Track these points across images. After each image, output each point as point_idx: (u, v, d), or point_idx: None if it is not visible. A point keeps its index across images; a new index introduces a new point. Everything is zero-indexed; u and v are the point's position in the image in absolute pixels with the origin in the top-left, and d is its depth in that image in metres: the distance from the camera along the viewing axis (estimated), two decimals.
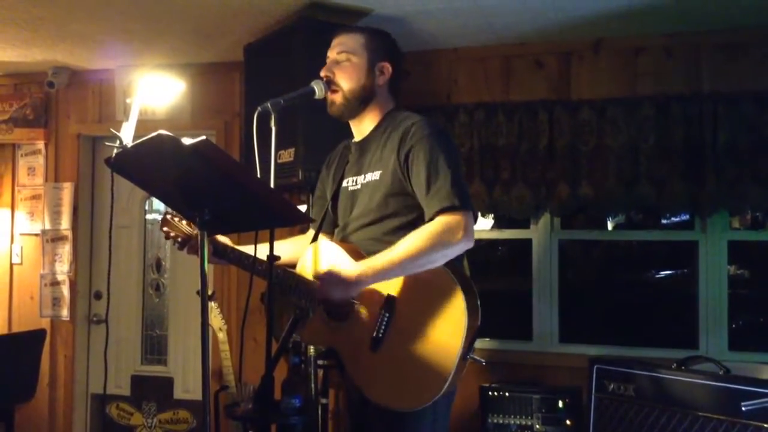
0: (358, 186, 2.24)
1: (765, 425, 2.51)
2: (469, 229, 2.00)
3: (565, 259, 3.87)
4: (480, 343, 2.07)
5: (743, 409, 2.28)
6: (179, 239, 2.39)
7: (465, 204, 2.00)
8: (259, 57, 3.61)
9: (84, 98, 4.51)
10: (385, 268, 1.97)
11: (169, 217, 2.40)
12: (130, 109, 2.12)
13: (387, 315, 2.01)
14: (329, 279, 1.99)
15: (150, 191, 2.37)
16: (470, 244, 2.01)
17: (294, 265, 2.28)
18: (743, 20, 3.37)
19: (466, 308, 1.91)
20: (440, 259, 1.96)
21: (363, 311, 2.06)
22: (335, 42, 2.26)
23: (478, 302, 1.98)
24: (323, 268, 2.09)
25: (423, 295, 1.99)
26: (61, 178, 4.51)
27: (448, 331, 1.92)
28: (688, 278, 3.92)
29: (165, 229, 2.42)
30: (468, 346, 1.93)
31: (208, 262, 2.33)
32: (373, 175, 2.18)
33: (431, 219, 2.01)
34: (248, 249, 2.27)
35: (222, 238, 2.35)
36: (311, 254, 2.24)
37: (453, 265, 2.00)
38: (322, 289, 2.00)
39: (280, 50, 3.39)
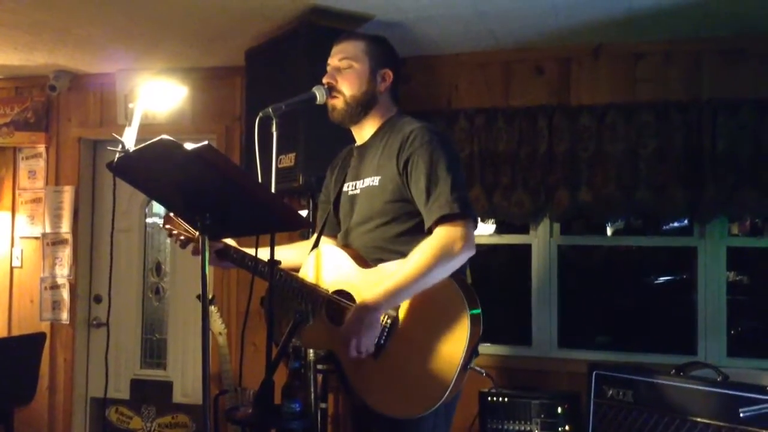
0: (358, 191, 2.24)
1: None
2: (470, 238, 2.00)
3: (564, 265, 3.87)
4: (480, 349, 2.07)
5: (742, 415, 2.28)
6: (182, 237, 2.39)
7: (464, 210, 2.00)
8: (260, 62, 3.62)
9: (85, 102, 4.53)
10: (395, 294, 1.96)
11: (172, 214, 2.39)
12: (132, 114, 2.13)
13: (389, 322, 2.01)
14: (354, 332, 1.96)
15: (152, 195, 2.37)
16: (472, 252, 2.02)
17: (297, 270, 2.29)
18: (743, 27, 3.38)
19: (469, 318, 1.91)
20: (445, 272, 1.97)
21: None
22: (336, 49, 2.26)
23: (480, 312, 1.98)
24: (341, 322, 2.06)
25: (426, 303, 1.99)
26: (62, 182, 4.52)
27: (450, 342, 1.93)
28: (687, 284, 3.92)
29: (168, 227, 2.42)
30: (469, 356, 1.94)
31: (211, 264, 2.34)
32: (372, 181, 2.18)
33: (431, 229, 2.02)
34: (251, 251, 2.28)
35: (226, 240, 2.35)
36: (314, 259, 2.25)
37: (456, 273, 2.01)
38: (351, 344, 1.97)
39: (281, 55, 3.40)
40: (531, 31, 3.51)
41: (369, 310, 1.96)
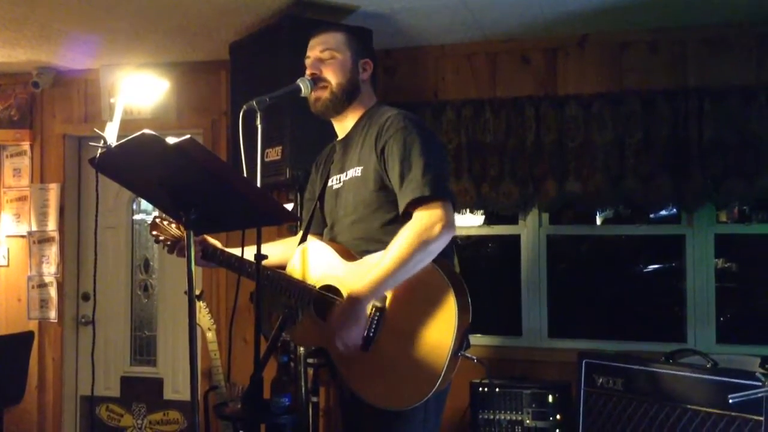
0: (342, 184, 2.24)
1: (752, 417, 2.54)
2: (447, 218, 1.98)
3: (553, 255, 3.88)
4: (470, 339, 2.07)
5: (730, 401, 2.29)
6: (168, 242, 2.39)
7: (437, 192, 1.98)
8: (245, 55, 3.59)
9: (69, 98, 4.48)
10: (379, 284, 1.96)
11: (158, 220, 2.41)
12: (114, 109, 2.11)
13: (378, 314, 2.00)
14: (340, 325, 1.97)
15: (135, 191, 2.36)
16: (452, 233, 2.01)
17: (284, 267, 2.28)
18: (728, 15, 3.38)
19: (457, 306, 1.92)
20: (427, 257, 1.96)
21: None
22: (315, 41, 2.25)
23: (469, 299, 1.99)
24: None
25: (414, 293, 1.99)
26: (47, 179, 4.48)
27: (439, 330, 1.93)
28: (676, 272, 3.94)
29: (154, 232, 2.42)
30: (459, 343, 1.94)
31: (197, 265, 2.33)
32: (355, 172, 2.18)
33: (405, 212, 2.01)
34: (236, 250, 2.27)
35: (211, 240, 2.34)
36: (300, 255, 2.23)
37: (443, 262, 2.01)
38: (338, 338, 1.98)
39: (266, 48, 3.38)
40: (517, 22, 3.50)
41: (354, 302, 1.96)
